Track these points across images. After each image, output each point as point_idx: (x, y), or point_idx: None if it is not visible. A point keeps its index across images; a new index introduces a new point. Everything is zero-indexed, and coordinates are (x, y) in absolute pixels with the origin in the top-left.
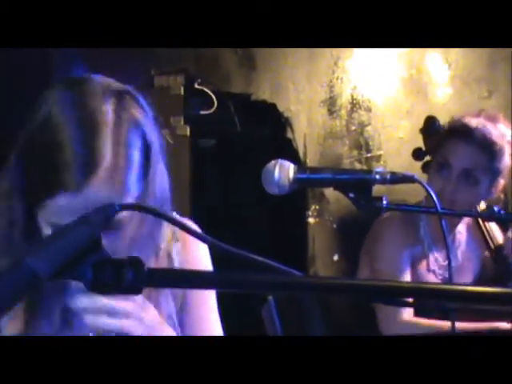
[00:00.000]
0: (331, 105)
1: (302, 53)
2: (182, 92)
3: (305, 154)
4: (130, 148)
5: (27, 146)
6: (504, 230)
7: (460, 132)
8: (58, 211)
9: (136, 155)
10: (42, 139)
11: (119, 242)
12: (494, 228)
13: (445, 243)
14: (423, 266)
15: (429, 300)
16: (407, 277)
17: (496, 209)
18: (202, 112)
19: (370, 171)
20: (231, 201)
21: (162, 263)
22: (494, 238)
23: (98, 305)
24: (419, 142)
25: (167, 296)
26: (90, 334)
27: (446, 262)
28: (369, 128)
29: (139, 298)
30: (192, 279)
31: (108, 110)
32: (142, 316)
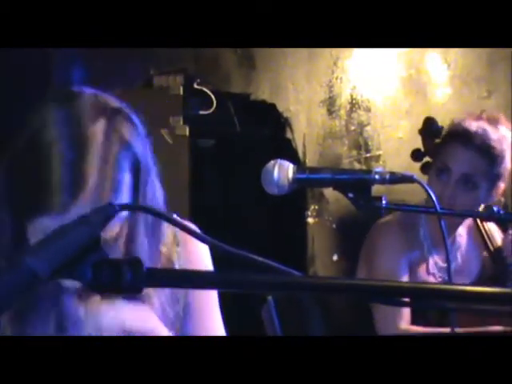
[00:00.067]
0: (330, 105)
1: (302, 53)
2: (182, 92)
3: (304, 153)
4: (118, 169)
5: (14, 161)
6: (503, 230)
7: (460, 136)
8: (44, 231)
9: (124, 176)
10: (30, 156)
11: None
12: (493, 229)
13: (444, 244)
14: (423, 269)
15: (428, 300)
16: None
17: (495, 209)
18: (202, 112)
19: (369, 171)
20: (231, 201)
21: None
22: (493, 239)
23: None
24: (418, 142)
25: (168, 300)
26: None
27: (446, 265)
28: (368, 128)
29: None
30: (192, 279)
31: (97, 130)
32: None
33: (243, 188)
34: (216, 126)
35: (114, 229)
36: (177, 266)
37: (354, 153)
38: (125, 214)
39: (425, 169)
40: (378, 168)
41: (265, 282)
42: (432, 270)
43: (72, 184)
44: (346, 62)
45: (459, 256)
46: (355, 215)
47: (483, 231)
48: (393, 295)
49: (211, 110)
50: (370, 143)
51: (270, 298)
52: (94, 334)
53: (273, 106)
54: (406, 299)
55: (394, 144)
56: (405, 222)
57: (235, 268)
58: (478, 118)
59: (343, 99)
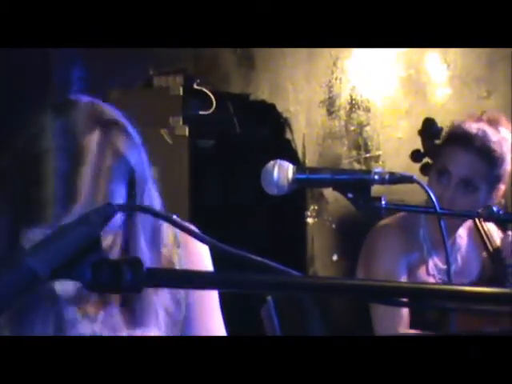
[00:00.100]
0: (330, 105)
1: (301, 53)
2: (181, 92)
3: (304, 154)
4: (112, 181)
5: (8, 169)
6: (503, 230)
7: (459, 139)
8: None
9: (118, 188)
10: (23, 167)
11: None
12: (492, 230)
13: (444, 245)
14: (422, 271)
15: (427, 300)
16: None
17: (495, 209)
18: (201, 112)
19: (368, 171)
20: (230, 201)
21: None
22: (492, 239)
23: None
24: (418, 143)
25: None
26: None
27: (446, 266)
28: (368, 128)
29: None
30: (192, 279)
31: (92, 142)
32: None
33: (243, 188)
34: (215, 127)
35: (108, 238)
36: (178, 268)
37: (354, 153)
38: (118, 222)
39: (424, 170)
40: (377, 168)
41: (264, 282)
42: (432, 272)
43: (65, 196)
44: (346, 62)
45: (459, 257)
46: (355, 215)
47: (482, 232)
48: (392, 295)
49: (211, 111)
50: (369, 143)
51: (269, 298)
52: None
53: (272, 107)
54: (406, 299)
55: (394, 144)
56: (404, 224)
57: (235, 268)
58: (478, 119)
59: (343, 99)
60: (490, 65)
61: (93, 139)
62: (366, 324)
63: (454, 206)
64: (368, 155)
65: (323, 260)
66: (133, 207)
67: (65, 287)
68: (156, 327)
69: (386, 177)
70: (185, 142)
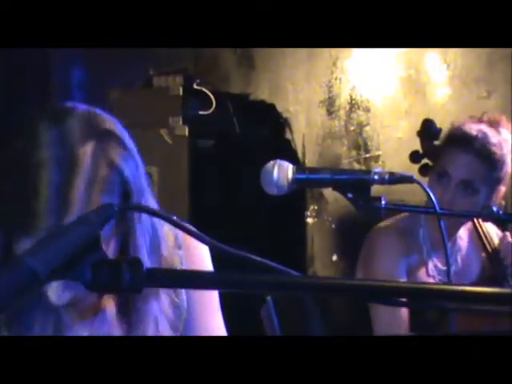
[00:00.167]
0: (330, 105)
1: (301, 53)
2: (181, 92)
3: (303, 154)
4: (106, 193)
5: (1, 179)
6: (503, 230)
7: (459, 141)
8: None
9: (111, 200)
10: (17, 177)
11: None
12: (491, 230)
13: (444, 246)
14: (422, 272)
15: (427, 300)
16: None
17: (495, 209)
18: (201, 112)
19: (368, 171)
20: (230, 201)
21: None
22: (490, 240)
23: None
24: (418, 143)
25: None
26: None
27: (446, 267)
28: (367, 128)
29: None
30: (192, 279)
31: (86, 153)
32: None
33: (243, 188)
34: (215, 127)
35: (106, 240)
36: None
37: (354, 153)
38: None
39: (423, 171)
40: (377, 168)
41: (264, 282)
42: (431, 273)
43: (58, 207)
44: (346, 62)
45: (459, 258)
46: (354, 215)
47: (481, 232)
48: (392, 295)
49: (210, 111)
50: (369, 143)
51: (269, 298)
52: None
53: (272, 107)
54: (405, 299)
55: (394, 144)
56: (403, 226)
57: (235, 268)
58: (479, 121)
59: (342, 99)
60: (490, 65)
61: (87, 150)
62: (366, 324)
63: (454, 208)
64: (368, 155)
65: (323, 260)
66: (133, 207)
67: (59, 295)
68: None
69: (386, 177)
70: (184, 142)
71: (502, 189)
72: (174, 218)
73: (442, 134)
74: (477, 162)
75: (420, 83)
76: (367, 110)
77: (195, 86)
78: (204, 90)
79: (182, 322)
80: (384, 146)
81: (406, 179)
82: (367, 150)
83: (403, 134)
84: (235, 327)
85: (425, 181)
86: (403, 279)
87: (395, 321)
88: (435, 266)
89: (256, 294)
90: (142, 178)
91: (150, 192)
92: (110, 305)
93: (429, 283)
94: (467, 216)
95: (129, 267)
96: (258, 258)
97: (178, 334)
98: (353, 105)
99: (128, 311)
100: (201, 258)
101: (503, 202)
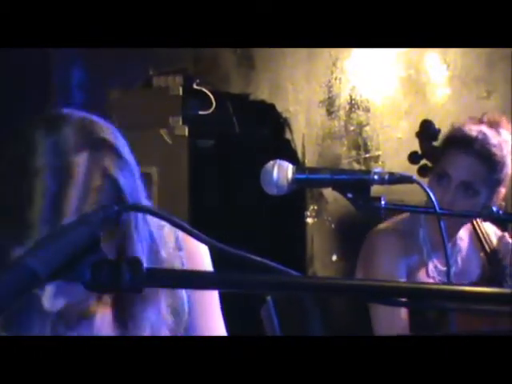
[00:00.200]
0: (330, 105)
1: (301, 53)
2: (181, 92)
3: (303, 154)
4: (99, 203)
5: None
6: (502, 230)
7: (459, 142)
8: None
9: None
10: (12, 183)
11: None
12: (490, 231)
13: (443, 246)
14: (422, 273)
15: (426, 300)
16: None
17: (494, 209)
18: (201, 112)
19: (368, 171)
20: (230, 201)
21: None
22: (489, 240)
23: None
24: (417, 143)
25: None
26: None
27: (446, 268)
28: (367, 128)
29: None
30: (191, 279)
31: (80, 162)
32: None
33: (242, 188)
34: (215, 127)
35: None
36: None
37: (354, 153)
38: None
39: (422, 171)
40: (377, 168)
41: (264, 282)
42: (431, 274)
43: (52, 218)
44: (346, 62)
45: (459, 259)
46: (354, 215)
47: (480, 232)
48: (392, 295)
49: (210, 111)
50: (369, 143)
51: (269, 298)
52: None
53: (272, 107)
54: (405, 299)
55: (393, 144)
56: (403, 227)
57: (234, 268)
58: (479, 122)
59: (342, 99)
60: (490, 65)
61: (80, 160)
62: (366, 324)
63: (454, 210)
64: (367, 155)
65: (323, 260)
66: (133, 207)
67: (51, 302)
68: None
69: (386, 177)
70: (184, 142)
71: (502, 190)
72: (175, 218)
73: (442, 135)
74: (477, 164)
75: (420, 83)
76: (367, 110)
77: (195, 86)
78: (204, 89)
79: (182, 329)
80: (384, 146)
81: (405, 179)
82: (367, 150)
83: (403, 134)
84: (235, 327)
85: (424, 181)
86: (403, 280)
87: (395, 321)
88: (435, 267)
89: (256, 294)
90: (138, 186)
91: (146, 200)
92: (104, 311)
93: (429, 283)
94: (467, 216)
95: (129, 267)
96: (258, 258)
97: (181, 323)
98: (353, 105)
99: (124, 318)
100: (202, 259)
101: (503, 203)
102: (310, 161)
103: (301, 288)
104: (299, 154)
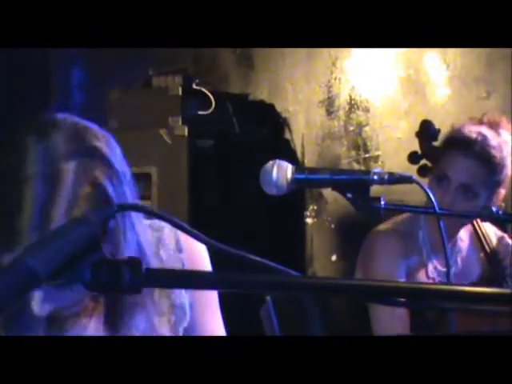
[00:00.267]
0: (329, 105)
1: (301, 53)
2: (180, 92)
3: (303, 154)
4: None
5: None
6: (502, 230)
7: (459, 144)
8: None
9: None
10: (3, 189)
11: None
12: (490, 231)
13: (443, 247)
14: (422, 274)
15: (426, 300)
16: None
17: (494, 209)
18: (200, 112)
19: (367, 172)
20: (229, 201)
21: None
22: (489, 240)
23: None
24: (417, 143)
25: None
26: None
27: (446, 269)
28: (367, 128)
29: None
30: (191, 279)
31: (69, 170)
32: None
33: (242, 188)
34: (215, 126)
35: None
36: None
37: (353, 153)
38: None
39: (422, 171)
40: (376, 168)
41: (264, 282)
42: (431, 275)
43: (41, 225)
44: (345, 62)
45: (459, 260)
46: (354, 216)
47: (479, 232)
48: (391, 296)
49: (210, 111)
50: (368, 143)
51: (268, 298)
52: None
53: (271, 107)
54: (405, 300)
55: (393, 144)
56: (403, 228)
57: (234, 268)
58: (479, 123)
59: (342, 99)
60: (490, 65)
61: (70, 167)
62: (366, 324)
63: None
64: (367, 155)
65: (322, 260)
66: (132, 207)
67: (40, 307)
68: None
69: (385, 177)
70: (184, 142)
71: (502, 191)
72: (175, 219)
73: (442, 136)
74: (477, 166)
75: (419, 83)
76: (367, 110)
77: (194, 86)
78: (203, 89)
79: (182, 329)
80: (383, 146)
81: (405, 179)
82: (366, 150)
83: (402, 134)
84: (235, 327)
85: (424, 181)
86: (403, 281)
87: (395, 321)
88: (435, 268)
89: (256, 294)
90: (127, 195)
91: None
92: (95, 316)
93: (428, 283)
94: (467, 216)
95: (128, 267)
96: (258, 258)
97: (181, 323)
98: (352, 105)
99: (112, 325)
100: (202, 261)
101: (503, 204)
102: (309, 161)
103: (300, 288)
104: (299, 154)
